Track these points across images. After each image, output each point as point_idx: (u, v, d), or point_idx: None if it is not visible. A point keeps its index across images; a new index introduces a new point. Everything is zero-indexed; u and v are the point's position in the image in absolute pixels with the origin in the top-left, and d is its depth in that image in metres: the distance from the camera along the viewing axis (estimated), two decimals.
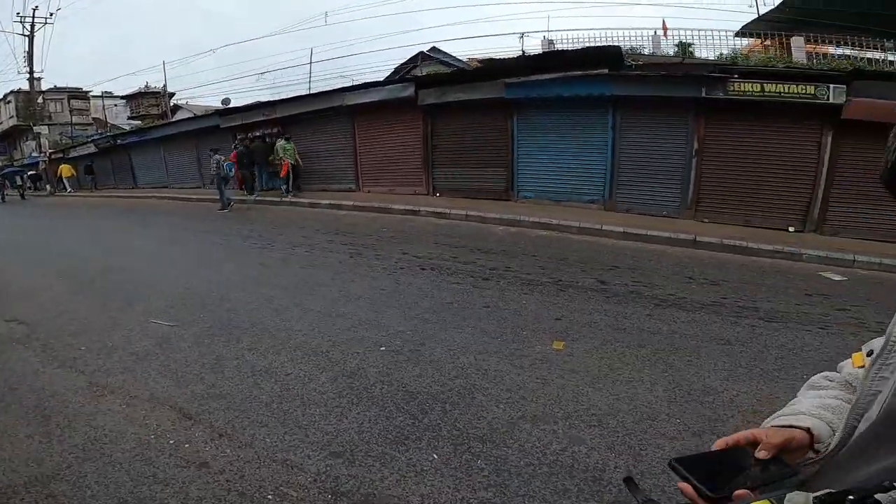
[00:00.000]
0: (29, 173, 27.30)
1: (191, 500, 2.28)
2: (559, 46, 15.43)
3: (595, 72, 8.25)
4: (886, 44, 8.77)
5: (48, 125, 29.15)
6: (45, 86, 31.01)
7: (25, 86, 29.44)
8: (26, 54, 26.90)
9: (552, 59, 9.45)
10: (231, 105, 20.05)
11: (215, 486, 2.35)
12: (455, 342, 3.80)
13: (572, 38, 15.04)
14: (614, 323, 4.14)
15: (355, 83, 13.67)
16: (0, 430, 2.95)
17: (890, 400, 0.60)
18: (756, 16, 12.65)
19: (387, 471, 2.41)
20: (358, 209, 10.45)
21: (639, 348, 3.66)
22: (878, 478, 0.50)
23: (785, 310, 4.54)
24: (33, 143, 28.62)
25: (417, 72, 17.23)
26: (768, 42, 10.26)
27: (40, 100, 29.68)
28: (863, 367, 0.71)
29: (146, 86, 32.53)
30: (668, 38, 13.27)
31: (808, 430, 0.69)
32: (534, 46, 15.78)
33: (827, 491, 0.51)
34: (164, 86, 30.15)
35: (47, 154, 26.88)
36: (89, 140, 25.44)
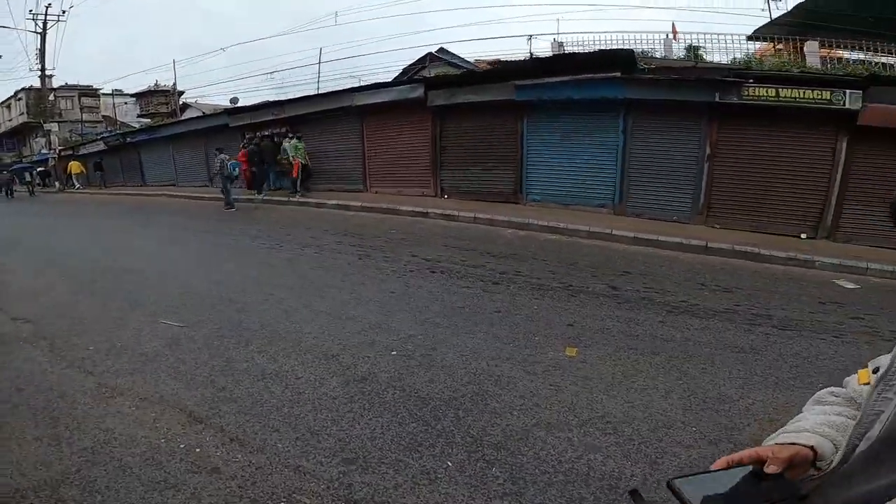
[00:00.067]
0: (38, 170, 27.55)
1: None
2: (569, 49, 15.42)
3: (607, 75, 8.21)
4: None
5: (58, 122, 29.33)
6: (55, 83, 31.22)
7: (37, 83, 29.55)
8: (38, 52, 26.82)
9: (563, 62, 9.40)
10: (239, 104, 20.16)
11: (227, 492, 2.32)
12: (467, 347, 3.78)
13: (582, 41, 15.01)
14: (627, 329, 4.10)
15: (363, 83, 13.70)
16: (8, 432, 2.94)
17: (892, 420, 0.60)
18: (768, 19, 12.58)
19: (400, 478, 2.39)
20: (366, 210, 10.44)
21: (652, 355, 3.62)
22: (878, 496, 0.50)
23: (799, 318, 4.49)
24: (43, 140, 28.81)
25: (426, 73, 17.23)
26: (780, 46, 10.17)
27: (51, 97, 29.84)
28: (868, 384, 0.70)
29: (156, 84, 32.72)
30: (678, 41, 13.29)
31: (811, 447, 0.69)
32: (542, 49, 15.71)
33: None
34: (174, 84, 30.32)
35: (57, 151, 27.06)
36: (99, 137, 25.62)
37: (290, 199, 12.40)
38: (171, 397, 3.22)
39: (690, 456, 2.48)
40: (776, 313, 4.58)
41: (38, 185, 25.89)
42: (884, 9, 9.24)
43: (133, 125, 28.55)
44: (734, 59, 9.85)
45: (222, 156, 12.65)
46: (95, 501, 2.29)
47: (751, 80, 7.63)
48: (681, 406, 2.94)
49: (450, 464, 2.47)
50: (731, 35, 11.72)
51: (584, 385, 3.20)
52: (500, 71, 10.31)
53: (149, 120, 29.25)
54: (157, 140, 20.44)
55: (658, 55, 11.41)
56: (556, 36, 22.13)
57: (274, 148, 13.38)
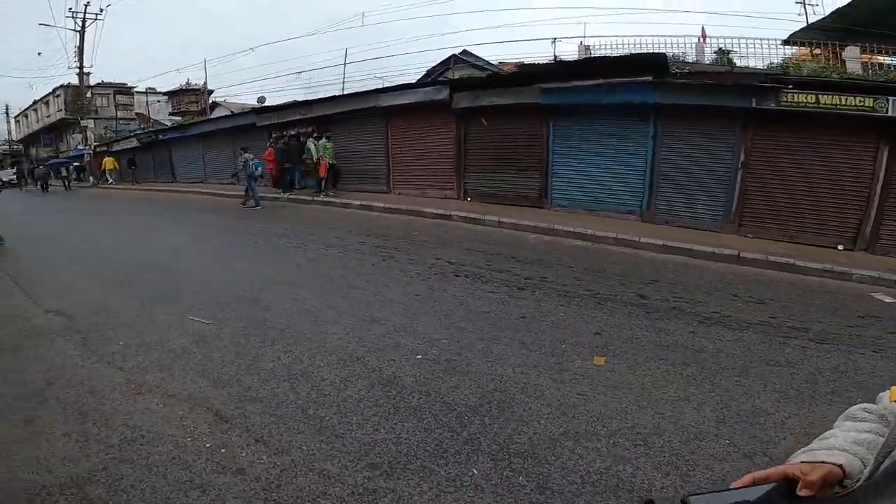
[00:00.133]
0: (74, 165, 28.56)
1: None
2: (596, 53, 15.25)
3: (638, 79, 8.05)
4: None
5: (94, 119, 30.23)
6: (92, 81, 32.19)
7: (74, 80, 30.34)
8: (77, 49, 27.44)
9: (591, 65, 9.27)
10: (266, 103, 20.52)
11: (251, 494, 2.33)
12: (492, 353, 3.74)
13: (608, 45, 14.82)
14: (657, 339, 4.01)
15: (387, 85, 13.78)
16: (37, 427, 2.98)
17: None
18: (805, 24, 12.21)
19: (426, 485, 2.37)
20: (389, 211, 10.47)
21: (683, 366, 3.54)
22: None
23: (836, 331, 4.34)
24: (79, 136, 29.79)
25: (449, 74, 17.26)
26: (818, 51, 9.84)
27: (88, 94, 30.71)
28: None
29: (187, 83, 33.51)
30: (707, 45, 13.02)
31: (840, 465, 0.68)
32: (567, 52, 15.58)
33: None
34: (204, 83, 31.02)
35: (92, 147, 27.96)
36: (132, 134, 26.44)
37: (315, 198, 12.53)
38: (199, 395, 3.25)
39: (723, 469, 2.43)
40: (812, 326, 4.43)
41: (74, 179, 26.83)
42: None
43: (165, 123, 29.37)
44: (771, 63, 9.57)
45: (246, 155, 12.91)
46: (121, 501, 2.31)
47: (790, 86, 7.39)
48: (713, 418, 2.88)
49: (476, 471, 2.45)
50: (764, 40, 11.42)
51: (613, 395, 3.14)
52: (526, 74, 10.21)
53: (179, 118, 30.05)
54: (187, 138, 20.97)
55: (689, 60, 11.17)
56: (582, 39, 22.03)
57: (299, 147, 13.52)
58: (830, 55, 9.25)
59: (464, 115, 10.92)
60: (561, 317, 4.47)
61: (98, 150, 27.38)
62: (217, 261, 7.14)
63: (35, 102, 40.41)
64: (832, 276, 6.23)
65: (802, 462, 0.70)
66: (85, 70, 27.99)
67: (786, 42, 11.01)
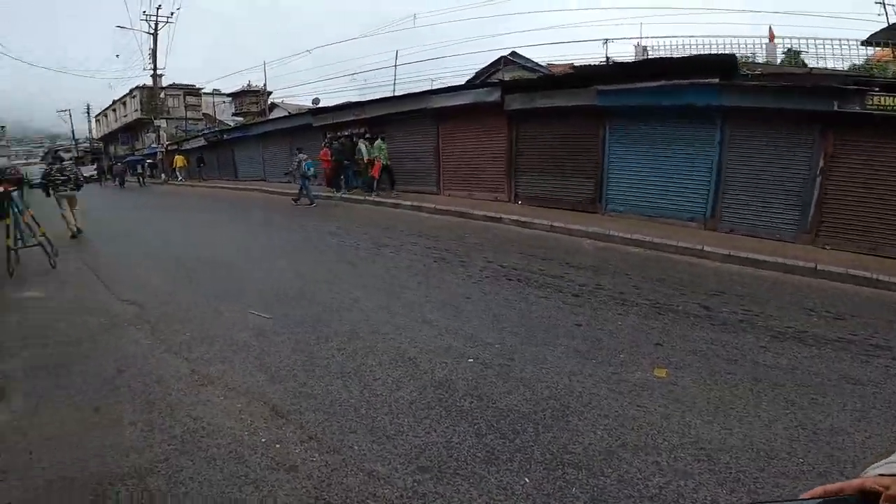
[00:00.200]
0: (148, 162, 30.71)
1: None
2: (652, 54, 14.69)
3: (704, 81, 7.63)
4: None
5: (166, 119, 32.28)
6: (164, 82, 34.29)
7: (149, 81, 32.35)
8: (151, 52, 29.24)
9: (651, 66, 8.89)
10: (320, 104, 21.23)
11: (302, 492, 2.36)
12: (546, 360, 3.66)
13: (666, 46, 14.27)
14: (724, 353, 3.78)
15: (436, 86, 13.89)
16: (107, 414, 3.13)
17: None
18: (886, 24, 11.23)
19: (475, 492, 2.34)
20: (439, 212, 10.51)
21: (754, 382, 3.34)
22: None
23: None
24: (153, 135, 31.92)
25: (499, 76, 17.20)
26: None
27: (162, 95, 32.70)
28: None
29: (248, 84, 35.17)
30: (776, 45, 12.25)
31: None
32: (619, 53, 15.12)
33: None
34: (264, 85, 32.45)
35: (164, 145, 29.93)
36: (200, 134, 28.10)
37: (367, 198, 12.79)
38: (257, 389, 3.35)
39: (795, 487, 2.30)
40: None
41: (148, 176, 28.86)
42: None
43: (228, 123, 31.00)
44: (853, 65, 8.83)
45: (301, 155, 13.38)
46: (179, 494, 2.38)
47: (876, 88, 6.77)
48: (786, 436, 2.71)
49: (527, 480, 2.40)
50: (838, 40, 10.56)
51: (675, 408, 3.00)
52: (582, 75, 9.95)
53: (241, 118, 31.62)
54: (248, 138, 22.02)
55: (759, 60, 10.54)
56: (638, 40, 21.32)
57: (352, 147, 13.85)
58: None
59: (516, 116, 10.79)
60: (619, 326, 4.31)
61: (169, 148, 29.28)
62: (275, 257, 7.41)
63: (114, 103, 43.73)
64: None
65: (880, 475, 0.66)
66: (158, 72, 29.80)
67: (865, 43, 10.15)
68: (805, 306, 4.99)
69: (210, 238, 9.33)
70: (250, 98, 34.54)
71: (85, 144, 52.33)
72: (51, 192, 10.50)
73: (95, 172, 32.38)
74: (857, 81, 7.01)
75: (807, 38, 11.31)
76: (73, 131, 53.83)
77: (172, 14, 30.55)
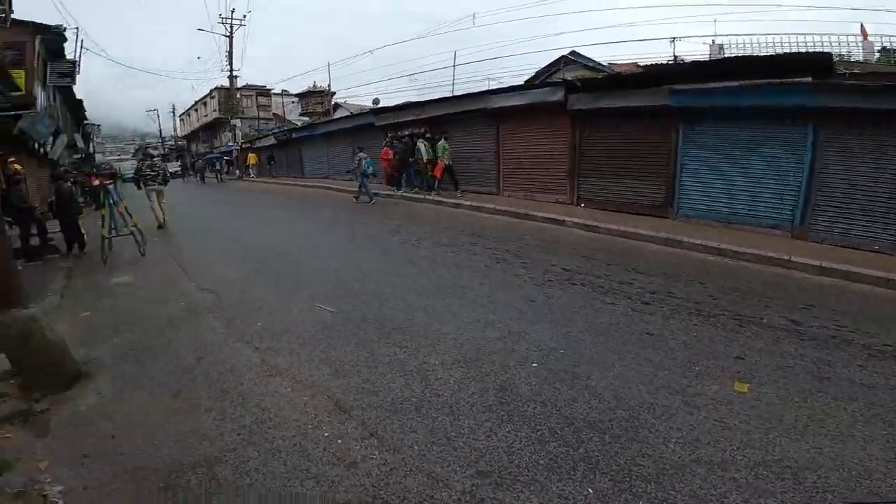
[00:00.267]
0: (225, 159, 32.85)
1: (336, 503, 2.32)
2: (728, 53, 13.78)
3: (795, 80, 6.98)
4: None
5: (241, 118, 34.22)
6: (239, 83, 36.27)
7: (226, 83, 34.09)
8: (227, 54, 30.59)
9: (732, 65, 8.27)
10: (380, 104, 21.74)
11: (360, 490, 2.39)
12: (615, 368, 3.51)
13: (742, 44, 13.37)
14: (814, 370, 3.47)
15: (493, 86, 13.76)
16: (184, 401, 3.33)
17: None
18: None
19: (536, 500, 2.28)
20: (499, 213, 10.41)
21: (849, 402, 3.06)
22: None
23: None
24: (230, 134, 34.02)
25: (559, 76, 16.86)
26: None
27: (238, 95, 34.58)
28: None
29: (313, 85, 36.61)
30: (871, 43, 11.25)
31: None
32: (687, 52, 14.31)
33: None
34: (328, 85, 33.66)
35: (239, 144, 31.85)
36: (270, 133, 29.68)
37: (427, 197, 12.91)
38: (322, 383, 3.44)
39: None
40: None
41: (224, 172, 30.88)
42: None
43: (295, 123, 32.51)
44: None
45: (361, 154, 13.72)
46: (244, 484, 2.46)
47: None
48: (883, 457, 2.51)
49: (591, 491, 2.32)
50: None
51: (758, 424, 2.81)
52: (653, 74, 9.45)
53: (307, 118, 33.04)
54: (314, 137, 22.98)
55: (855, 58, 9.59)
56: (713, 38, 20.12)
57: (412, 147, 14.05)
58: None
59: (580, 117, 10.46)
60: (694, 336, 4.05)
61: (243, 146, 31.14)
62: (339, 253, 7.66)
63: (195, 103, 47.04)
64: None
65: None
66: (234, 73, 31.40)
67: None
68: None
69: (279, 233, 9.79)
70: (315, 98, 35.99)
71: (170, 142, 56.82)
72: (142, 185, 11.50)
73: (179, 168, 35.10)
74: None
75: None
76: (160, 130, 58.70)
77: (244, 17, 31.91)
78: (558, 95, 10.59)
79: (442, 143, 12.67)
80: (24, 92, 10.89)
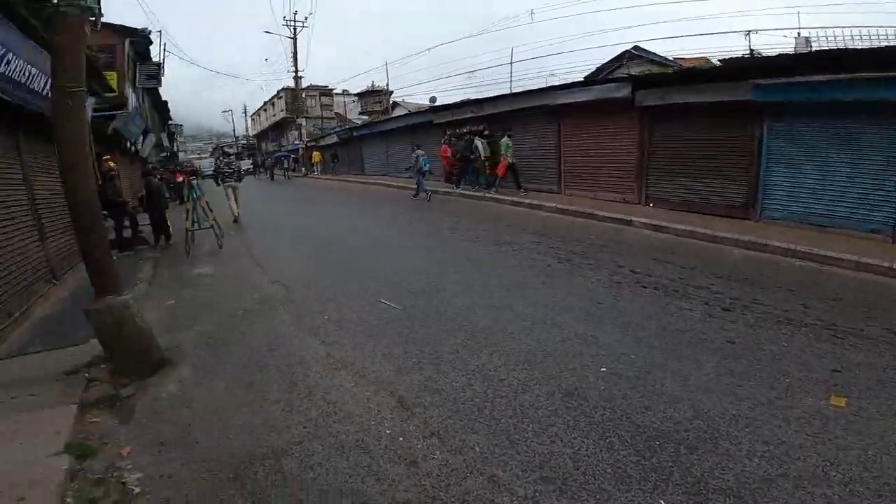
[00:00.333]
0: (292, 157, 34.52)
1: (396, 503, 2.31)
2: (816, 46, 12.63)
3: None
4: None
5: (305, 118, 35.68)
6: (303, 84, 37.65)
7: (292, 83, 35.54)
8: (292, 55, 31.87)
9: (826, 58, 7.49)
10: (437, 103, 21.89)
11: (420, 490, 2.37)
12: (692, 377, 3.30)
13: (833, 37, 12.19)
14: None
15: (551, 83, 13.38)
16: (256, 391, 3.44)
17: None
18: None
19: None
20: (561, 212, 10.14)
21: None
22: None
23: None
24: (296, 133, 35.62)
25: (622, 71, 16.25)
26: None
27: (303, 95, 36.00)
28: None
29: (372, 85, 37.51)
30: None
31: None
32: (764, 45, 13.25)
33: None
34: (386, 85, 34.36)
35: (304, 142, 33.29)
36: (333, 132, 30.78)
37: (486, 194, 12.85)
38: (385, 379, 3.48)
39: None
40: None
41: (291, 170, 32.45)
42: None
43: (355, 121, 33.52)
44: None
45: (418, 151, 13.85)
46: (307, 479, 2.50)
47: None
48: None
49: (662, 503, 2.21)
50: None
51: (857, 439, 2.59)
52: (731, 68, 8.79)
53: (366, 117, 33.96)
54: (374, 135, 23.57)
55: None
56: (798, 31, 18.64)
57: (470, 144, 14.01)
58: None
59: (648, 113, 9.94)
60: (783, 347, 3.73)
61: (308, 144, 32.51)
62: (401, 249, 7.77)
63: (265, 103, 49.65)
64: None
65: None
66: (298, 74, 32.62)
67: None
68: None
69: (343, 228, 10.12)
70: (374, 98, 36.89)
71: (243, 141, 60.49)
72: (220, 182, 12.33)
73: (251, 166, 37.25)
74: None
75: None
76: (234, 129, 62.61)
77: (306, 19, 32.87)
78: (624, 91, 10.14)
79: (505, 140, 12.51)
80: (117, 93, 11.64)
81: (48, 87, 5.10)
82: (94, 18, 3.73)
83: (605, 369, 3.45)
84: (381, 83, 35.55)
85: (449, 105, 17.72)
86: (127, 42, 13.83)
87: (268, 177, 31.21)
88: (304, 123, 34.27)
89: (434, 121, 17.36)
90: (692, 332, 4.03)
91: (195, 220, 8.71)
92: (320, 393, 3.34)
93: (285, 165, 32.73)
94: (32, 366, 4.02)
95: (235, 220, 11.56)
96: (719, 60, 10.45)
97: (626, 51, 18.96)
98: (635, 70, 14.70)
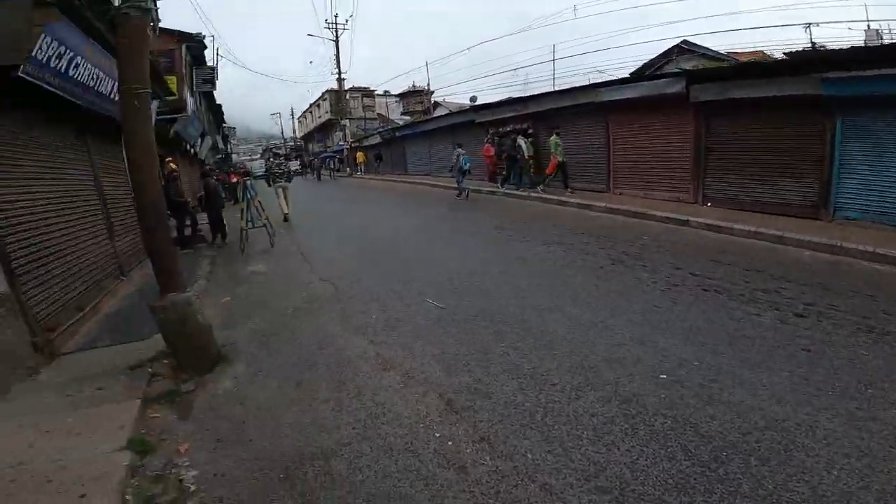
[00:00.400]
0: (337, 157, 35.42)
1: None
2: (888, 39, 11.65)
3: None
4: None
5: (349, 119, 36.46)
6: (346, 86, 38.32)
7: (336, 85, 36.28)
8: (335, 57, 32.78)
9: None
10: (478, 102, 21.78)
11: (469, 496, 2.32)
12: (763, 385, 3.09)
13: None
14: None
15: (595, 80, 12.98)
16: (306, 390, 3.47)
17: None
18: None
19: None
20: (610, 212, 9.82)
21: None
22: None
23: None
24: (340, 134, 36.46)
25: (672, 66, 15.64)
26: None
27: (346, 97, 36.75)
28: None
29: (413, 85, 37.84)
30: None
31: None
32: (826, 38, 12.31)
33: None
34: (427, 85, 34.59)
35: (349, 143, 34.04)
36: (376, 132, 31.30)
37: (531, 194, 12.65)
38: (433, 380, 3.44)
39: None
40: None
41: (337, 170, 33.31)
42: None
43: (397, 122, 33.97)
44: None
45: (459, 150, 13.82)
46: (356, 481, 2.48)
47: None
48: None
49: None
50: None
51: None
52: (798, 62, 8.20)
53: (408, 117, 34.32)
54: (416, 135, 23.77)
55: None
56: (868, 23, 17.40)
57: (513, 143, 13.83)
58: None
59: (704, 109, 9.45)
60: (863, 355, 3.43)
61: (353, 145, 33.23)
62: (446, 248, 7.72)
63: (310, 105, 51.08)
64: None
65: None
66: (341, 75, 33.29)
67: None
68: None
69: (388, 227, 10.23)
70: (415, 98, 37.19)
71: (290, 143, 62.67)
72: (271, 182, 12.79)
73: (299, 167, 38.55)
74: None
75: None
76: (282, 131, 64.91)
77: (347, 21, 33.55)
78: (678, 87, 9.69)
79: (554, 139, 12.25)
80: (176, 96, 12.10)
81: (115, 90, 5.34)
82: (152, 23, 3.85)
83: (665, 376, 3.28)
84: (421, 83, 35.84)
85: (491, 104, 17.57)
86: (184, 47, 14.44)
87: (314, 177, 32.15)
88: (347, 124, 35.00)
89: (475, 120, 17.28)
90: (762, 340, 3.77)
91: (249, 219, 9.05)
92: (369, 393, 3.34)
93: (331, 166, 33.63)
94: (100, 360, 4.20)
95: (285, 219, 11.95)
96: (784, 54, 9.82)
97: (676, 45, 18.37)
98: (686, 65, 14.12)
